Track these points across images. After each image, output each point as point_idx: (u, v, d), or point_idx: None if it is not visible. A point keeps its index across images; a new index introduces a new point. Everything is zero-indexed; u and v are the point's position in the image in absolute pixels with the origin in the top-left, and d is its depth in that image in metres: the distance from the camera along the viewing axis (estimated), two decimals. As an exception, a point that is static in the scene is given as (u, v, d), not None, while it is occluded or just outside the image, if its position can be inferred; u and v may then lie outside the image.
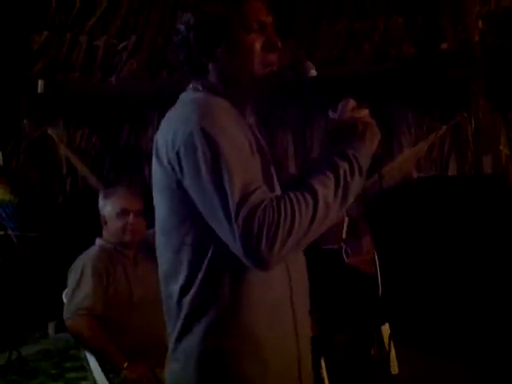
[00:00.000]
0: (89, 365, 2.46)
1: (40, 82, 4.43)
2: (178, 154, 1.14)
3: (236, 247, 1.08)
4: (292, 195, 1.11)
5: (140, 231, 2.64)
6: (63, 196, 4.90)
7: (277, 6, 4.51)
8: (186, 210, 1.18)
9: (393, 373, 4.01)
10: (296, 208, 1.08)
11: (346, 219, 4.36)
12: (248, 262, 1.09)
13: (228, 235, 1.09)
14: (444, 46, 4.64)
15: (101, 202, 2.66)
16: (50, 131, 4.69)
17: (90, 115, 4.86)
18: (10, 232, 4.27)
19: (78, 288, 2.44)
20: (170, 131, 1.18)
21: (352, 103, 1.25)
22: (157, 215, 1.28)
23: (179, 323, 1.21)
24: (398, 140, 5.17)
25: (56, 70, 4.66)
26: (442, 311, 4.43)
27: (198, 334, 1.18)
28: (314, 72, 1.30)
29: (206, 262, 1.17)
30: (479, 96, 4.83)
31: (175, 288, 1.21)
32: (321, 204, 1.11)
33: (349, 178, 1.15)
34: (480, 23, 4.44)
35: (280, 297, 1.24)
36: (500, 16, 4.40)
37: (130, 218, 2.58)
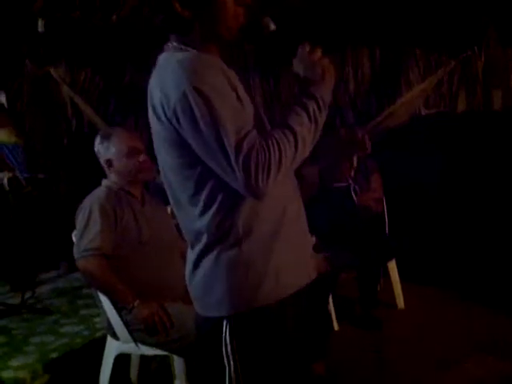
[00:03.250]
0: (101, 303, 2.52)
1: (40, 22, 4.32)
2: (175, 111, 1.29)
3: (238, 184, 1.29)
4: (276, 136, 1.32)
5: (152, 169, 2.61)
6: (68, 137, 4.89)
7: None
8: (189, 154, 1.34)
9: (399, 307, 4.11)
10: (281, 146, 1.30)
11: (355, 158, 4.35)
12: (248, 193, 1.30)
13: (229, 175, 1.29)
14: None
15: (100, 146, 2.59)
16: (52, 71, 4.62)
17: (93, 55, 4.77)
18: (18, 174, 4.28)
19: (87, 228, 2.44)
20: (163, 91, 1.31)
21: (307, 48, 1.43)
22: (161, 158, 1.44)
23: (199, 246, 1.43)
24: (406, 77, 5.10)
25: (56, 9, 4.54)
26: (448, 246, 4.48)
27: (219, 249, 1.40)
28: (273, 26, 1.45)
29: (217, 192, 1.37)
30: (490, 30, 4.71)
31: (192, 215, 1.41)
32: (299, 139, 1.34)
33: (317, 114, 1.38)
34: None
35: (275, 220, 1.43)
36: None
37: (141, 156, 2.57)
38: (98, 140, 2.61)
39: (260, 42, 1.48)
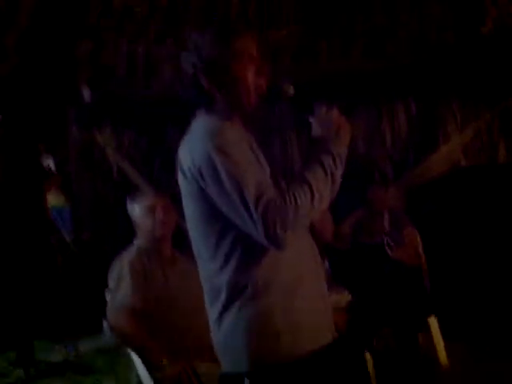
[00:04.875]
0: (133, 361, 2.58)
1: (85, 90, 4.61)
2: (200, 169, 1.42)
3: (258, 234, 1.38)
4: (293, 189, 1.42)
5: (170, 224, 2.73)
6: (115, 199, 5.08)
7: (311, 9, 4.53)
8: (211, 209, 1.46)
9: (442, 364, 3.99)
10: (297, 198, 1.40)
11: (387, 214, 4.35)
12: (268, 243, 1.39)
13: (250, 226, 1.39)
14: (485, 30, 4.53)
15: (129, 208, 2.77)
16: (97, 136, 4.87)
17: (135, 119, 5.00)
18: (65, 235, 4.47)
19: (118, 288, 2.55)
20: (190, 151, 1.46)
21: (322, 109, 1.56)
22: (187, 215, 1.55)
23: (218, 298, 1.50)
24: (444, 129, 5.09)
25: (100, 78, 4.83)
26: (490, 304, 4.34)
27: (237, 307, 1.47)
28: (291, 92, 1.58)
29: (235, 249, 1.46)
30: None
31: (212, 272, 1.50)
32: (315, 191, 1.43)
33: (333, 168, 1.48)
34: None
35: (293, 278, 1.50)
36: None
37: (158, 212, 2.69)
38: (127, 203, 2.81)
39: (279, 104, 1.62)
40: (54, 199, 4.44)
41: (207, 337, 2.57)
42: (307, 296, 1.51)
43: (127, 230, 2.85)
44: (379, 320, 3.64)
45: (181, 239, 2.99)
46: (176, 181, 4.54)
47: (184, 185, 1.51)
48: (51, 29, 4.74)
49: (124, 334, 2.52)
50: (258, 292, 1.45)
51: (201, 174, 1.42)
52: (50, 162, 4.42)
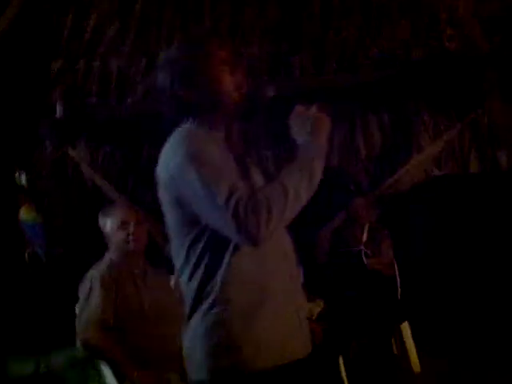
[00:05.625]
0: (104, 374, 2.58)
1: (59, 107, 4.61)
2: (173, 178, 1.45)
3: (230, 232, 1.38)
4: (264, 188, 1.44)
5: (142, 239, 2.77)
6: (88, 215, 5.06)
7: (284, 21, 4.61)
8: (185, 216, 1.48)
9: (415, 371, 4.02)
10: (269, 195, 1.38)
11: (367, 224, 4.41)
12: (241, 240, 1.39)
13: (223, 225, 1.39)
14: (451, 45, 4.64)
15: (101, 221, 2.79)
16: (70, 152, 4.87)
17: (110, 135, 5.01)
18: (37, 249, 4.45)
19: (88, 302, 2.55)
20: (165, 161, 1.49)
21: (300, 107, 1.56)
22: (167, 223, 1.57)
23: (188, 305, 1.51)
24: (417, 141, 5.17)
25: (73, 96, 4.85)
26: (460, 312, 4.38)
27: (201, 313, 1.47)
28: (271, 93, 1.61)
29: (206, 257, 1.47)
30: (493, 92, 4.79)
31: (184, 279, 1.51)
32: (290, 189, 1.40)
33: (311, 161, 1.46)
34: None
35: (261, 288, 1.48)
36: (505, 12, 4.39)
37: (131, 228, 2.71)
38: (99, 216, 2.82)
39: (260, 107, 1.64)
40: (26, 214, 4.42)
41: (178, 348, 2.61)
42: (276, 308, 1.47)
43: (100, 244, 2.85)
44: (354, 328, 3.67)
45: (153, 253, 3.02)
46: (151, 195, 4.55)
47: (162, 194, 1.53)
48: (25, 46, 4.76)
49: (94, 348, 2.51)
50: (220, 300, 1.45)
51: (175, 183, 1.45)
52: (22, 178, 4.41)
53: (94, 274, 2.65)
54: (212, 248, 1.46)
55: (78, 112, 4.75)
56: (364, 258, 4.19)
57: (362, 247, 4.24)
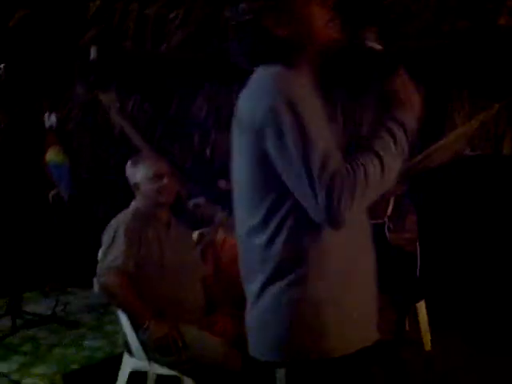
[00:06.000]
0: (119, 320, 2.60)
1: (93, 49, 4.56)
2: (262, 124, 1.25)
3: (318, 208, 1.21)
4: (362, 160, 1.25)
5: (174, 192, 2.78)
6: (114, 160, 5.08)
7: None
8: (269, 173, 1.29)
9: (426, 349, 4.02)
10: (367, 171, 1.23)
11: (393, 198, 4.35)
12: (326, 217, 1.21)
13: (310, 198, 1.21)
14: (501, 20, 4.48)
15: (130, 170, 2.75)
16: (101, 97, 4.84)
17: (142, 83, 4.97)
18: (62, 191, 4.48)
19: (111, 247, 2.55)
20: (252, 107, 1.28)
21: (403, 76, 1.38)
22: (237, 176, 1.39)
23: (263, 277, 1.33)
24: (452, 118, 5.07)
25: (108, 38, 4.79)
26: (481, 297, 4.34)
27: (284, 284, 1.31)
28: (378, 46, 1.41)
29: (288, 221, 1.29)
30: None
31: (259, 242, 1.33)
32: (385, 165, 1.26)
33: (404, 142, 1.31)
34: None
35: (347, 264, 1.35)
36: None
37: (165, 179, 2.70)
38: (128, 165, 2.79)
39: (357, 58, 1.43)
40: (53, 155, 4.43)
41: (197, 302, 2.64)
42: (359, 286, 1.36)
43: (125, 192, 2.85)
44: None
45: (176, 207, 3.02)
46: (178, 147, 4.52)
47: (241, 144, 1.33)
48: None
49: (112, 294, 2.53)
50: (308, 275, 1.29)
51: (263, 134, 1.25)
52: (52, 118, 4.39)
53: (120, 221, 2.64)
54: (300, 215, 1.27)
55: (111, 55, 4.69)
56: (387, 232, 4.13)
57: (386, 220, 4.17)
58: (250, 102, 1.30)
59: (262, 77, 1.32)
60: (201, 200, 3.85)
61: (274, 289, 1.31)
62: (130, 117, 5.17)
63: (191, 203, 3.85)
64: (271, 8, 1.35)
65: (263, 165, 1.28)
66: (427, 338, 3.97)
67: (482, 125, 4.90)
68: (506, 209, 4.51)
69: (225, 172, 5.26)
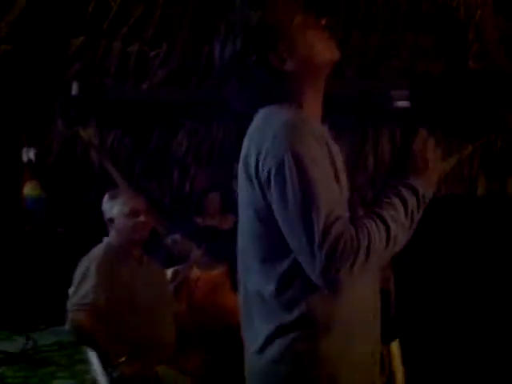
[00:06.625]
0: (90, 358, 2.57)
1: (75, 85, 4.61)
2: (269, 175, 1.18)
3: (315, 269, 1.14)
4: (369, 227, 1.17)
5: (148, 229, 2.75)
6: (93, 195, 5.07)
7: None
8: (274, 226, 1.22)
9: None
10: (372, 239, 1.15)
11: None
12: (323, 282, 1.16)
13: (308, 261, 1.15)
14: (475, 64, 4.62)
15: (106, 205, 2.72)
16: (81, 132, 4.87)
17: (123, 119, 5.01)
18: (37, 226, 4.46)
19: (82, 284, 2.51)
20: (261, 150, 1.20)
21: (427, 140, 1.30)
22: (242, 224, 1.33)
23: (271, 325, 1.26)
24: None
25: (90, 74, 4.84)
26: (457, 336, 4.36)
27: (291, 336, 1.24)
28: (405, 103, 1.33)
29: (297, 276, 1.22)
30: (509, 117, 4.78)
31: (265, 293, 1.26)
32: (392, 236, 1.18)
33: (415, 212, 1.22)
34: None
35: (356, 316, 1.29)
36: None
37: (141, 217, 2.67)
38: (105, 199, 2.75)
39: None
40: (30, 189, 4.42)
41: (169, 340, 2.62)
42: (365, 339, 1.31)
43: (101, 227, 2.84)
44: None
45: (153, 243, 3.02)
46: (156, 184, 4.52)
47: (245, 187, 1.26)
48: (46, 20, 4.75)
49: (82, 331, 2.49)
50: (318, 326, 1.23)
51: (268, 181, 1.18)
52: (30, 153, 4.40)
53: (92, 257, 2.62)
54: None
55: (93, 91, 4.74)
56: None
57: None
58: (260, 148, 1.21)
59: (274, 122, 1.23)
60: (177, 236, 3.85)
61: (281, 343, 1.24)
62: (110, 152, 5.19)
63: (168, 239, 3.85)
64: (272, 44, 1.28)
65: (265, 215, 1.22)
66: (401, 379, 3.96)
67: (457, 165, 5.00)
68: (480, 249, 4.57)
69: (202, 208, 5.29)
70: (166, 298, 2.78)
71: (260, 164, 1.19)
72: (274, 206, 1.19)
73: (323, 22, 1.32)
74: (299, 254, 1.17)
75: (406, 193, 1.22)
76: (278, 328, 1.24)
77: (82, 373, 3.62)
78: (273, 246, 1.24)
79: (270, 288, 1.24)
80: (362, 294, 1.28)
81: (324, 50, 1.30)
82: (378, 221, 1.17)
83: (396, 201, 1.21)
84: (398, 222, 1.19)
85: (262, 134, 1.23)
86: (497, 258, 4.46)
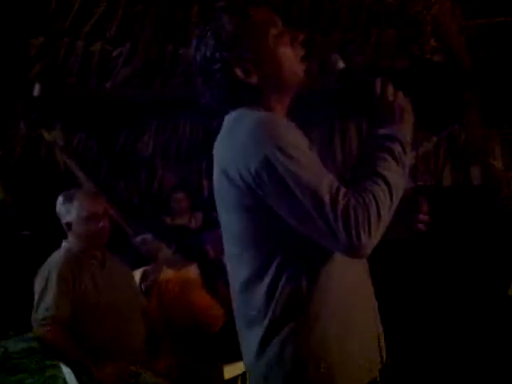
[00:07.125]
0: (62, 365, 2.52)
1: (36, 86, 4.52)
2: (257, 176, 1.18)
3: (339, 243, 1.15)
4: (369, 186, 1.19)
5: (108, 233, 2.61)
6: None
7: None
8: (262, 224, 1.25)
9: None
10: (377, 196, 1.17)
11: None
12: (352, 253, 1.17)
13: (327, 235, 1.15)
14: (436, 58, 4.69)
15: (61, 208, 2.53)
16: (45, 134, 4.78)
17: (87, 119, 4.94)
18: (2, 229, 4.37)
19: (44, 296, 2.41)
20: (239, 153, 1.21)
21: (389, 86, 1.31)
22: (226, 229, 1.33)
23: (262, 329, 1.28)
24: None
25: (53, 75, 4.75)
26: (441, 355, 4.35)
27: (285, 339, 1.26)
28: (341, 64, 1.35)
29: (286, 269, 1.25)
30: (472, 109, 4.86)
31: (257, 294, 1.28)
32: (393, 186, 1.20)
33: (403, 157, 1.24)
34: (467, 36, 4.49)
35: (349, 299, 1.31)
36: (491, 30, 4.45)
37: (101, 222, 2.54)
38: (60, 201, 2.56)
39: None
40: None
41: (139, 340, 2.57)
42: (361, 321, 1.31)
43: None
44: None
45: (120, 243, 2.96)
46: (123, 184, 4.44)
47: (229, 193, 1.25)
48: (6, 20, 4.66)
49: (49, 346, 2.40)
50: (310, 318, 1.25)
51: (257, 181, 1.19)
52: (-7, 155, 4.31)
53: (52, 265, 2.48)
54: (295, 262, 1.25)
55: (55, 91, 4.64)
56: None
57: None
58: (237, 151, 1.22)
59: (246, 123, 1.24)
60: (148, 236, 3.81)
61: (276, 341, 1.26)
62: (75, 153, 5.11)
63: (138, 239, 3.80)
64: (238, 57, 1.29)
65: (260, 214, 1.24)
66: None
67: (424, 157, 5.07)
68: (450, 239, 4.63)
69: (171, 207, 5.23)
70: (132, 297, 2.68)
71: (242, 166, 1.20)
72: (274, 202, 1.20)
73: (301, 39, 1.33)
74: (320, 237, 1.18)
75: (388, 143, 1.24)
76: (270, 325, 1.26)
77: (53, 378, 3.57)
78: (263, 245, 1.25)
79: (262, 287, 1.26)
80: (349, 280, 1.30)
81: (293, 70, 1.31)
82: (374, 177, 1.20)
83: (383, 153, 1.23)
84: (393, 170, 1.21)
85: (233, 136, 1.25)
86: (466, 247, 4.52)
